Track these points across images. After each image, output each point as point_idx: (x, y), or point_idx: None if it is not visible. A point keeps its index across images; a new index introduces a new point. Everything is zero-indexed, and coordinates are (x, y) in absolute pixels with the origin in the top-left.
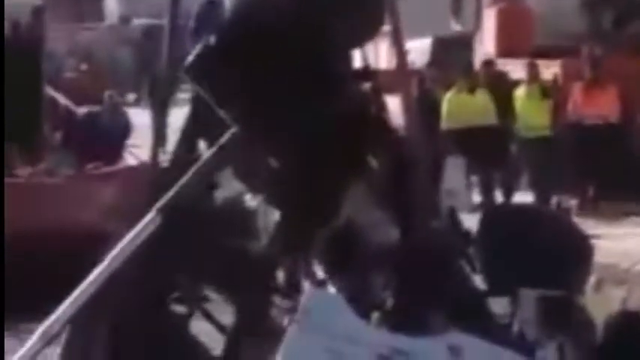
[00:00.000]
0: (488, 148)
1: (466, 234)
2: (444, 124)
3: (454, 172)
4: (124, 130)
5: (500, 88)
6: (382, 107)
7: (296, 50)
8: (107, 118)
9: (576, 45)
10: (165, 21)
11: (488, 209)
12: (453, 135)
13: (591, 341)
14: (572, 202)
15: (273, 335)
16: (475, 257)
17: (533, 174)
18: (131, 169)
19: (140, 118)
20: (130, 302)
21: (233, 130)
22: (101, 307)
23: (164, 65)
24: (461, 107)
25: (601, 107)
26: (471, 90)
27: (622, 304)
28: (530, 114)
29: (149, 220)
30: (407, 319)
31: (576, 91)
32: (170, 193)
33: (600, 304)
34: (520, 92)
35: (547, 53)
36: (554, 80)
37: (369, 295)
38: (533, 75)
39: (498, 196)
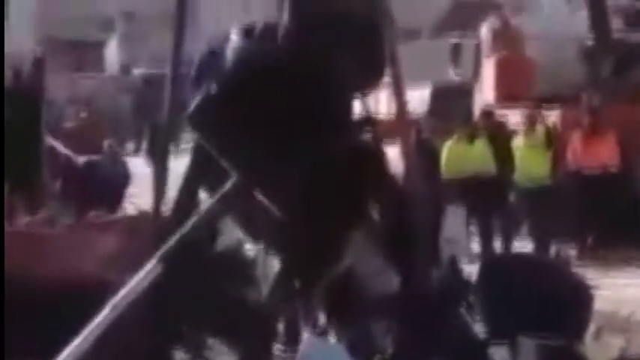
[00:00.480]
0: (488, 197)
1: (466, 282)
2: (444, 173)
3: (454, 221)
4: (123, 179)
5: (500, 137)
6: (383, 155)
7: (297, 99)
8: (107, 167)
9: (576, 94)
10: (165, 70)
11: (487, 258)
12: (452, 184)
13: None
14: (572, 251)
15: None
16: (475, 305)
17: (532, 223)
18: (131, 219)
19: (140, 167)
20: (132, 349)
21: (234, 178)
22: (103, 354)
23: (165, 114)
24: (460, 156)
25: (600, 156)
26: (470, 139)
27: (621, 352)
28: (530, 164)
29: (150, 269)
30: None
31: (575, 139)
32: (171, 242)
33: (600, 353)
34: (519, 142)
35: (546, 102)
36: (554, 129)
37: (369, 342)
38: (532, 125)
39: (497, 245)
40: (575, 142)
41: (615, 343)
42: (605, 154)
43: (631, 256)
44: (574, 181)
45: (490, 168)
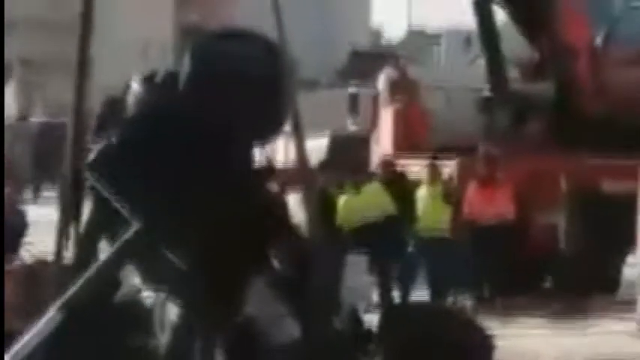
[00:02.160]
0: (385, 245)
1: (367, 331)
2: (340, 223)
3: (355, 270)
4: (20, 227)
5: (399, 186)
6: (284, 204)
7: (197, 148)
8: (5, 213)
9: (473, 144)
10: (63, 119)
11: (388, 307)
12: (351, 234)
13: None
14: (468, 301)
15: None
16: (376, 354)
17: (430, 273)
18: (29, 267)
19: (37, 213)
20: None
21: (135, 227)
22: None
23: (68, 163)
24: (352, 208)
25: (496, 206)
26: (357, 188)
27: None
28: (432, 215)
29: (50, 318)
30: None
31: (471, 190)
32: (71, 291)
33: None
34: (422, 193)
35: (444, 152)
36: (452, 182)
37: None
38: (434, 175)
39: (396, 294)
40: (471, 192)
41: None
42: (501, 205)
43: (527, 306)
44: (470, 231)
45: (386, 209)
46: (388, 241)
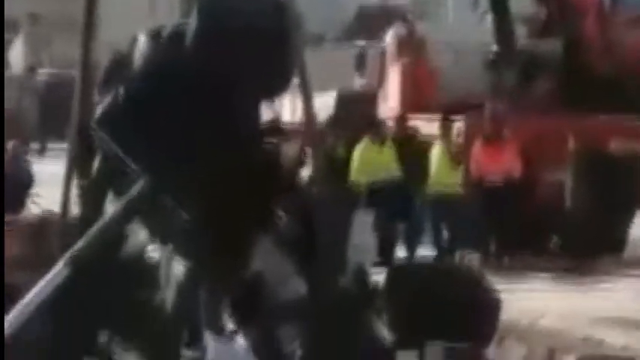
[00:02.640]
0: (395, 204)
1: (374, 287)
2: (354, 177)
3: (361, 228)
4: (27, 179)
5: (411, 144)
6: (290, 161)
7: (204, 105)
8: (11, 167)
9: (480, 102)
10: (71, 71)
11: (395, 265)
12: (359, 192)
13: None
14: (475, 259)
15: None
16: (383, 311)
17: (437, 231)
18: (36, 220)
19: (44, 167)
20: (38, 355)
21: (141, 182)
22: (10, 357)
23: (75, 116)
24: (371, 162)
25: (502, 164)
26: (381, 144)
27: None
28: (443, 174)
29: (56, 273)
30: None
31: (477, 147)
32: (78, 246)
33: None
34: (434, 151)
35: (450, 110)
36: (459, 139)
37: (277, 348)
38: (447, 133)
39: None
40: (477, 150)
41: (517, 351)
42: (507, 162)
43: (533, 264)
44: (477, 189)
45: (396, 174)
46: (398, 200)
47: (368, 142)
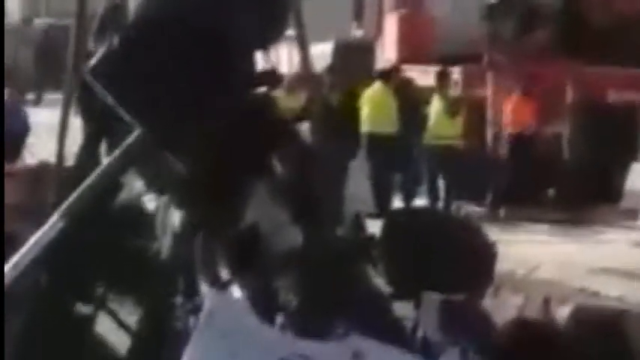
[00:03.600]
0: (392, 154)
1: (370, 237)
2: (367, 125)
3: (358, 177)
4: (23, 128)
5: (407, 94)
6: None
7: (200, 52)
8: (7, 116)
9: (478, 52)
10: (67, 21)
11: (391, 213)
12: (356, 141)
13: (494, 347)
14: (471, 209)
15: (177, 335)
16: (379, 261)
17: (434, 181)
18: (32, 169)
19: (39, 117)
20: (35, 303)
21: (137, 132)
22: (6, 308)
23: (69, 65)
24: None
25: (527, 118)
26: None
27: (519, 311)
28: (443, 124)
29: (53, 224)
30: (311, 323)
31: (508, 105)
32: (74, 196)
33: (498, 311)
34: (434, 102)
35: (448, 60)
36: (456, 88)
37: (272, 298)
38: (444, 84)
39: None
40: (508, 107)
41: (513, 301)
42: (529, 116)
43: (529, 214)
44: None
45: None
46: (396, 150)
47: (383, 88)
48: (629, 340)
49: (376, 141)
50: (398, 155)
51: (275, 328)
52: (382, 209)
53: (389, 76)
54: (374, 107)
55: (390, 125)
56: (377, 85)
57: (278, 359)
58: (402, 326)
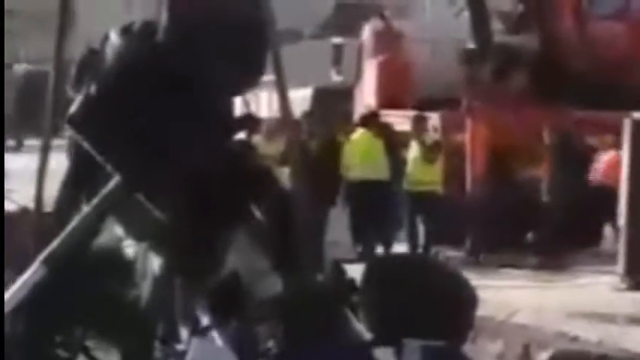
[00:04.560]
0: (373, 200)
1: (350, 284)
2: (352, 174)
3: (338, 223)
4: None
5: (386, 139)
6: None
7: (176, 100)
8: None
9: (457, 96)
10: (46, 67)
11: (372, 259)
12: (336, 190)
13: None
14: (450, 254)
15: None
16: (360, 307)
17: (412, 226)
18: (10, 215)
19: (19, 163)
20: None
21: (116, 179)
22: None
23: (48, 111)
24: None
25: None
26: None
27: (498, 357)
28: (421, 170)
29: (34, 271)
30: None
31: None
32: (54, 244)
33: (476, 357)
34: (412, 147)
35: (427, 105)
36: (435, 133)
37: (253, 344)
38: (421, 128)
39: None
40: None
41: (493, 346)
42: None
43: (509, 260)
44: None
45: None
46: (377, 196)
47: (367, 135)
48: None
49: (366, 187)
50: (380, 201)
51: None
52: (364, 255)
53: (371, 121)
54: (364, 154)
55: (382, 172)
56: (362, 132)
57: None
58: None
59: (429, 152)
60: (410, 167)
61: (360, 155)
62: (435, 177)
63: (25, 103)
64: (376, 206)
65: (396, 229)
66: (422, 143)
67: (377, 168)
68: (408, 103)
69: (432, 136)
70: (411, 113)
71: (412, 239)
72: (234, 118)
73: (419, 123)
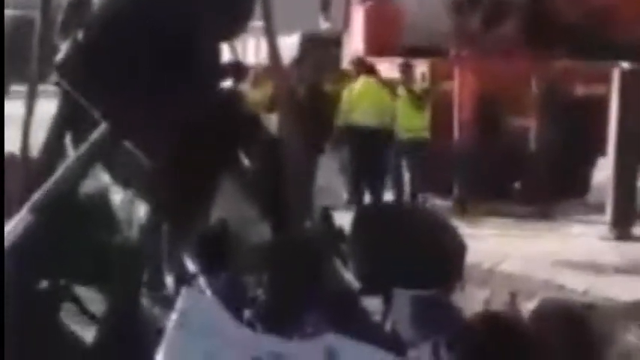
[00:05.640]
0: (366, 146)
1: (339, 232)
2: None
3: (327, 170)
4: None
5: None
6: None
7: (164, 45)
8: None
9: (445, 45)
10: (33, 13)
11: (361, 207)
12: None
13: (463, 341)
14: (438, 202)
15: (145, 325)
16: (349, 256)
17: (399, 174)
18: None
19: (6, 109)
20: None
21: (103, 126)
22: None
23: (34, 57)
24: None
25: None
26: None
27: (485, 304)
28: (409, 116)
29: (21, 218)
30: (280, 319)
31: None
32: (41, 191)
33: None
34: (400, 94)
35: (415, 53)
36: (424, 81)
37: (241, 293)
38: (409, 76)
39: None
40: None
41: (480, 294)
42: None
43: (496, 208)
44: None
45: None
46: (379, 146)
47: (373, 84)
48: (594, 334)
49: (369, 134)
50: (380, 149)
51: (245, 325)
52: (352, 202)
53: (367, 69)
54: (372, 102)
55: (386, 121)
56: (369, 81)
57: (250, 358)
58: (373, 321)
59: (417, 99)
60: (398, 114)
61: (368, 102)
62: (423, 124)
63: (11, 48)
64: (375, 153)
65: (384, 176)
66: (410, 91)
67: (382, 116)
68: (396, 51)
69: (420, 84)
70: (399, 60)
71: (398, 186)
72: (221, 64)
73: (405, 71)
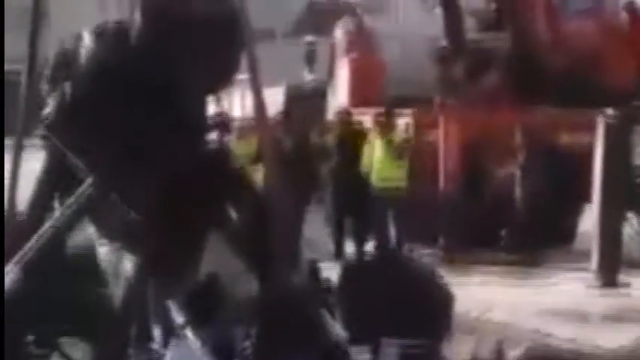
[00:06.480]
0: (346, 197)
1: (326, 284)
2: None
3: (313, 222)
4: None
5: (357, 138)
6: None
7: (150, 101)
8: None
9: (429, 95)
10: (19, 66)
11: (347, 259)
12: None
13: None
14: (424, 252)
15: None
16: (336, 307)
17: (382, 225)
18: None
19: None
20: None
21: (90, 180)
22: None
23: (21, 112)
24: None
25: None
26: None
27: (472, 354)
28: (389, 166)
29: (7, 273)
30: None
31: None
32: (28, 246)
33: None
34: (377, 145)
35: (399, 104)
36: (408, 131)
37: (229, 345)
38: (388, 127)
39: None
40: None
41: (466, 342)
42: None
43: (483, 258)
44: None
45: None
46: (351, 195)
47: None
48: None
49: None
50: (355, 199)
51: None
52: (338, 253)
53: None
54: (385, 166)
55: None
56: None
57: None
58: None
59: (396, 150)
60: (378, 165)
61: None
62: (402, 174)
63: None
64: (358, 204)
65: (368, 227)
66: (388, 141)
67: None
68: (381, 101)
69: (403, 133)
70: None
71: (382, 237)
72: (207, 117)
73: (382, 121)
